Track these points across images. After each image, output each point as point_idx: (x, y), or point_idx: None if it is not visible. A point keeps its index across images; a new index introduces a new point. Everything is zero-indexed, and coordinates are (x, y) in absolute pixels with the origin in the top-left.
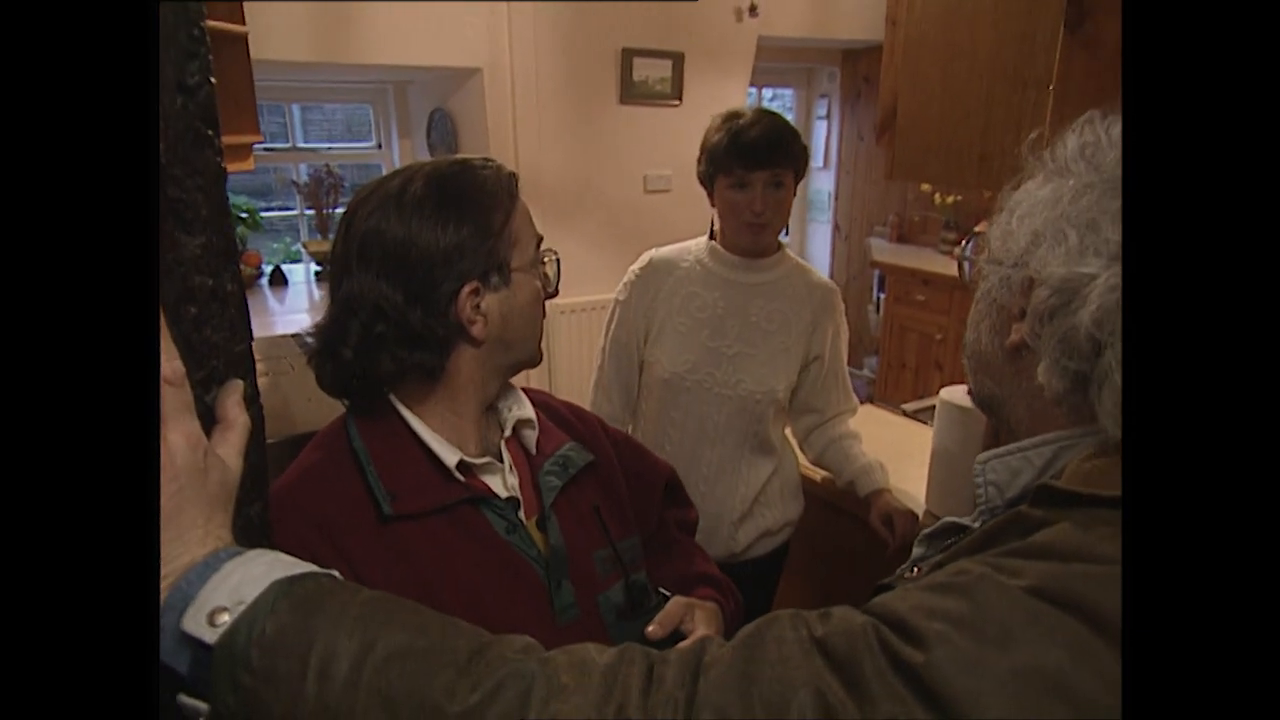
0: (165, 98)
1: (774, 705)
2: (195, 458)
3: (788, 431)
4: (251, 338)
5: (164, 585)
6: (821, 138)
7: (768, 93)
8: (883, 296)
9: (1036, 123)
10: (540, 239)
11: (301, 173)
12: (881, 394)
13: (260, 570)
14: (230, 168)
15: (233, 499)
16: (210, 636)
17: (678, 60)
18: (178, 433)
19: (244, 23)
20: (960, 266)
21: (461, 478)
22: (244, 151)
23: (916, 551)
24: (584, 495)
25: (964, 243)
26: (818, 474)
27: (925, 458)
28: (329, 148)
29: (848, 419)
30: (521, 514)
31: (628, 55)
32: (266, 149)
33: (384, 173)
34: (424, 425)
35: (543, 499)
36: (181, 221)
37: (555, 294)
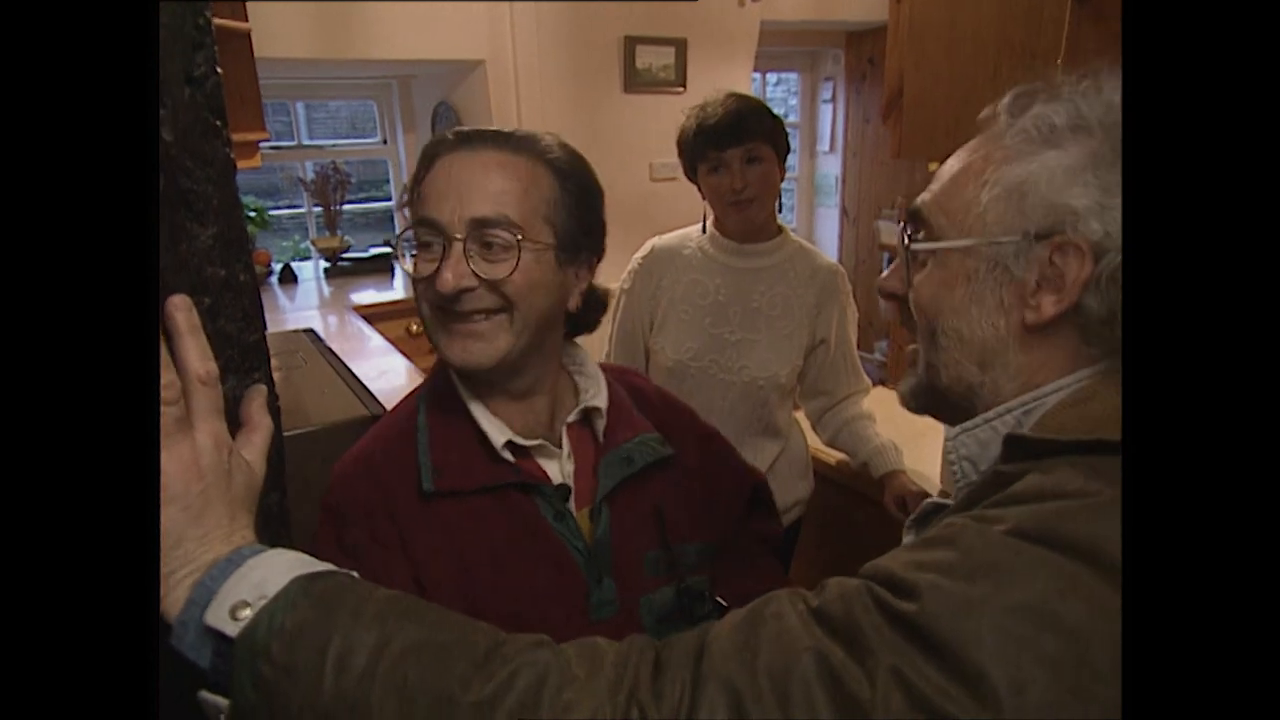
0: (173, 90)
1: (777, 672)
2: (221, 458)
3: (800, 414)
4: (265, 328)
5: (188, 582)
6: (827, 121)
7: (772, 77)
8: None
9: None
10: (419, 220)
11: (308, 170)
12: (893, 377)
13: (282, 567)
14: (239, 165)
15: (256, 499)
16: (232, 629)
17: (681, 47)
18: (206, 433)
19: (247, 20)
20: (908, 255)
21: (511, 458)
22: (250, 149)
23: (906, 539)
24: (649, 492)
25: (905, 225)
26: (830, 455)
27: (938, 437)
28: (334, 144)
29: (860, 400)
30: (572, 503)
31: (630, 43)
32: (273, 147)
33: (390, 168)
34: (479, 403)
35: (598, 490)
36: (193, 212)
37: (416, 279)
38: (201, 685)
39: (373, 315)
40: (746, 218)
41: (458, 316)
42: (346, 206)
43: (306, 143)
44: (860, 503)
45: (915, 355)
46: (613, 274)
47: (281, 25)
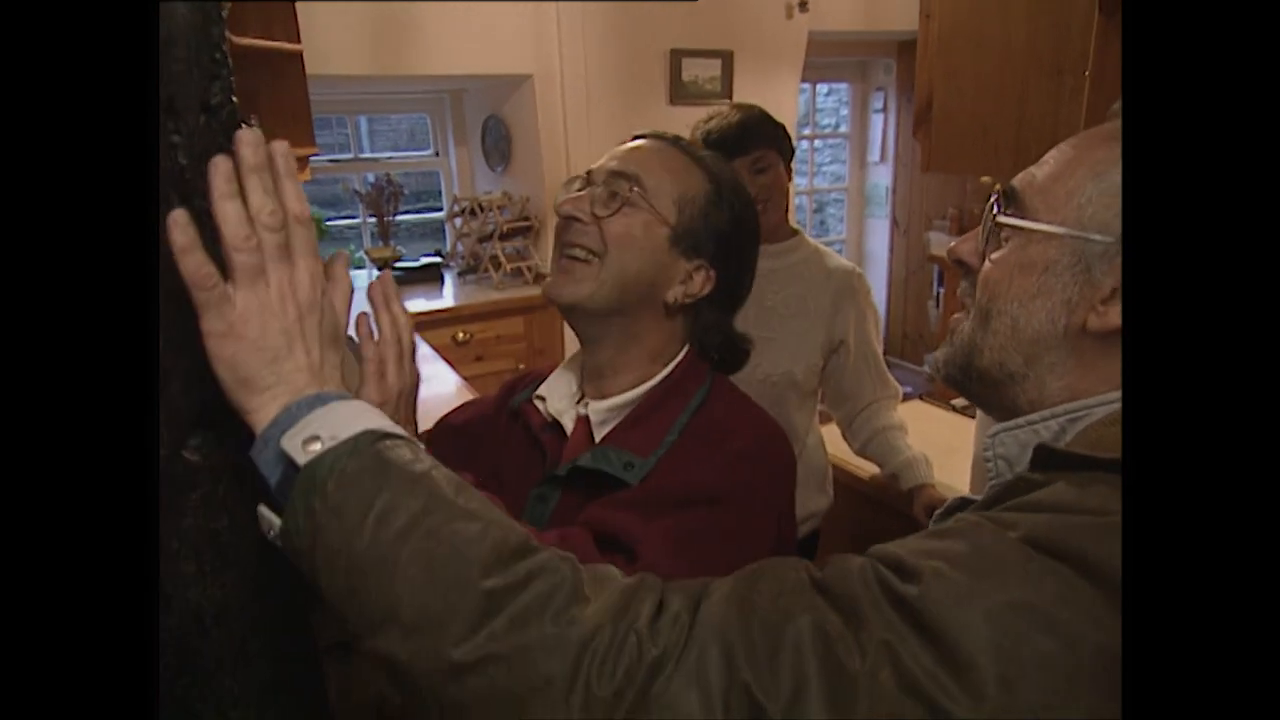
0: (189, 117)
1: (772, 631)
2: (315, 294)
3: (827, 429)
4: None
5: (279, 402)
6: (878, 131)
7: (823, 87)
8: (942, 291)
9: (1073, 110)
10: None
11: (366, 182)
12: (942, 390)
13: (360, 416)
14: None
15: (341, 346)
16: (301, 458)
17: (727, 59)
18: (303, 268)
19: (299, 41)
20: (992, 227)
21: (548, 416)
22: (300, 164)
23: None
24: (585, 499)
25: (998, 198)
26: (856, 468)
27: (969, 451)
28: (388, 157)
29: (889, 406)
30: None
31: (676, 56)
32: (331, 160)
33: (441, 180)
34: (573, 366)
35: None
36: (208, 231)
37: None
38: (264, 499)
39: (420, 324)
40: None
41: (564, 247)
42: (400, 217)
43: (369, 155)
44: (887, 517)
45: (957, 325)
46: None
47: (340, 44)
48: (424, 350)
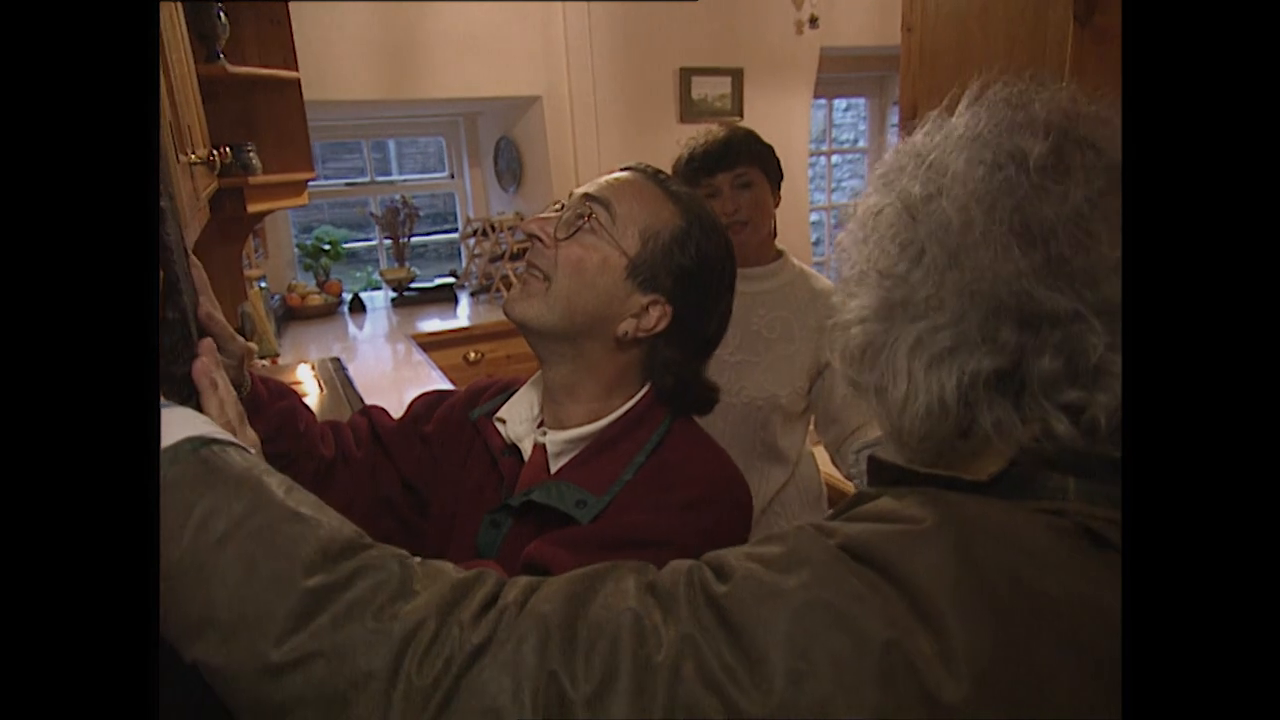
0: None
1: (594, 622)
2: None
3: (819, 448)
4: (195, 359)
5: None
6: None
7: (840, 103)
8: None
9: None
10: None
11: (382, 205)
12: None
13: (186, 424)
14: (286, 203)
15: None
16: None
17: (737, 76)
18: None
19: (297, 69)
20: None
21: (508, 440)
22: (298, 188)
23: None
24: (536, 535)
25: None
26: (850, 489)
27: None
28: (405, 180)
29: (877, 430)
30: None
31: (685, 74)
32: (349, 184)
33: (457, 202)
34: (535, 386)
35: (510, 499)
36: None
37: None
38: None
39: (431, 343)
40: (741, 241)
41: (526, 265)
42: (418, 239)
43: (398, 177)
44: None
45: None
46: None
47: (356, 70)
48: (433, 373)
